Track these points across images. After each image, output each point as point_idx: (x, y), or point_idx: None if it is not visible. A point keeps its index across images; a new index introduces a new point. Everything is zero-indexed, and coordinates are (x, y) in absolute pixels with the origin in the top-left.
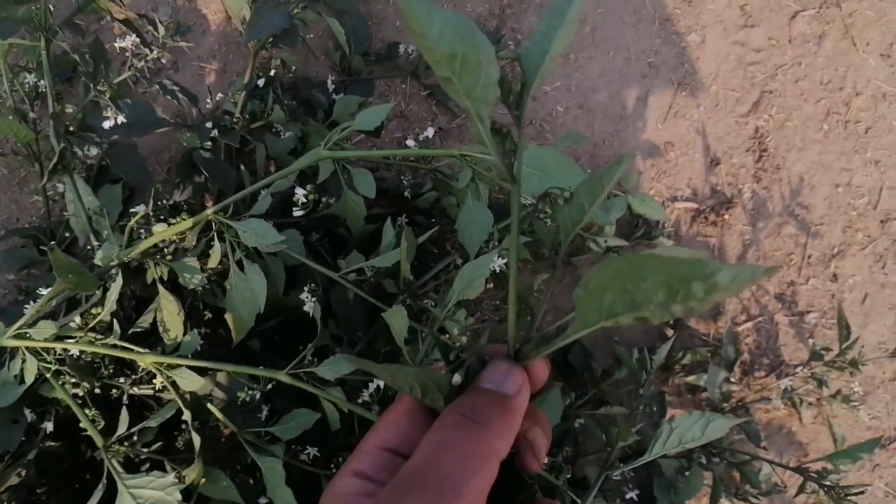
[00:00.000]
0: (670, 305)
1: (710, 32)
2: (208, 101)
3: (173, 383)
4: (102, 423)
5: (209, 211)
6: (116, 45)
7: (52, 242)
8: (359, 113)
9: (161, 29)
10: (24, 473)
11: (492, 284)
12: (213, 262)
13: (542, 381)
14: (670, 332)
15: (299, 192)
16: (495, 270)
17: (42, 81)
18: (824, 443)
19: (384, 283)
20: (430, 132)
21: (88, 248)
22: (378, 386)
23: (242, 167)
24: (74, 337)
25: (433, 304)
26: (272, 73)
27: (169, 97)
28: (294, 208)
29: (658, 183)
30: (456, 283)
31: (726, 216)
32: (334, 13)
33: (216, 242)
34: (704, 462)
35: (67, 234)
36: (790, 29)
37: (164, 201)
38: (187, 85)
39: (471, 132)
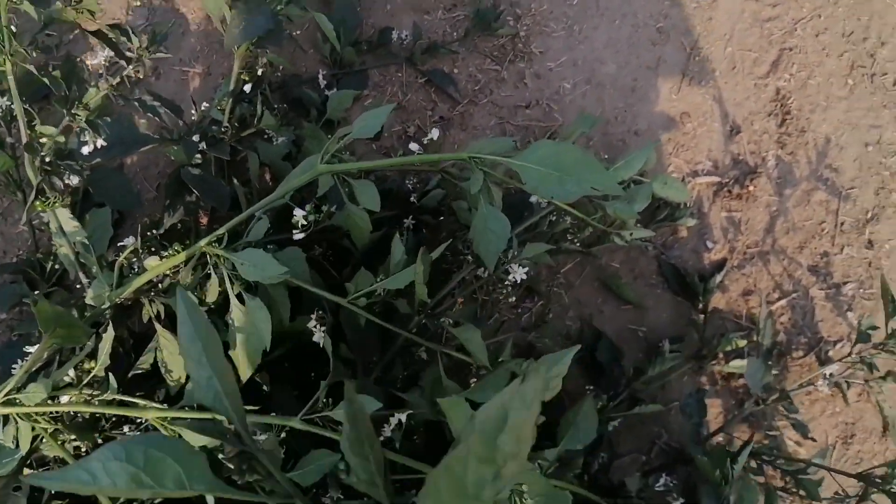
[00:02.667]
0: None
1: None
2: (193, 111)
3: (179, 437)
4: None
5: (202, 243)
6: (88, 62)
7: (50, 286)
8: (358, 118)
9: (136, 40)
10: None
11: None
12: (212, 296)
13: None
14: (700, 319)
15: (298, 214)
16: (516, 281)
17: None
18: (870, 421)
19: (396, 302)
20: (434, 134)
21: (78, 286)
22: (400, 420)
23: (235, 181)
24: (68, 394)
25: (450, 322)
26: (259, 72)
27: (149, 113)
28: (294, 231)
29: (676, 158)
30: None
31: (751, 187)
32: (320, 4)
33: (213, 275)
34: (755, 467)
35: (57, 266)
36: None
37: (154, 231)
38: (170, 92)
39: None
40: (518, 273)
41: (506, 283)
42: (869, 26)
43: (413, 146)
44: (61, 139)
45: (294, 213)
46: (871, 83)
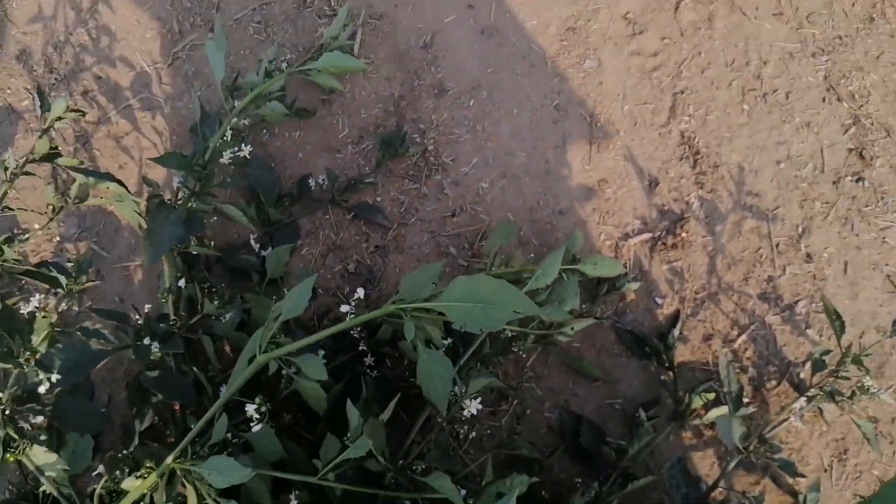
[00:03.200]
0: None
1: (603, 53)
2: (137, 316)
3: None
4: None
5: (169, 460)
6: (23, 309)
7: None
8: (285, 299)
9: (63, 280)
10: None
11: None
12: None
13: None
14: (669, 376)
15: (250, 409)
16: (473, 414)
17: None
18: (858, 432)
19: (367, 464)
20: (360, 293)
21: None
22: None
23: (195, 368)
24: None
25: (420, 468)
26: (194, 253)
27: (95, 338)
28: (251, 424)
29: (605, 225)
30: None
31: (683, 234)
32: (236, 168)
33: (189, 488)
34: None
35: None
36: (678, 21)
37: (125, 452)
38: (117, 290)
39: None
40: (472, 407)
41: (462, 418)
42: (748, 50)
43: (344, 308)
44: (14, 389)
45: (246, 408)
46: (766, 102)
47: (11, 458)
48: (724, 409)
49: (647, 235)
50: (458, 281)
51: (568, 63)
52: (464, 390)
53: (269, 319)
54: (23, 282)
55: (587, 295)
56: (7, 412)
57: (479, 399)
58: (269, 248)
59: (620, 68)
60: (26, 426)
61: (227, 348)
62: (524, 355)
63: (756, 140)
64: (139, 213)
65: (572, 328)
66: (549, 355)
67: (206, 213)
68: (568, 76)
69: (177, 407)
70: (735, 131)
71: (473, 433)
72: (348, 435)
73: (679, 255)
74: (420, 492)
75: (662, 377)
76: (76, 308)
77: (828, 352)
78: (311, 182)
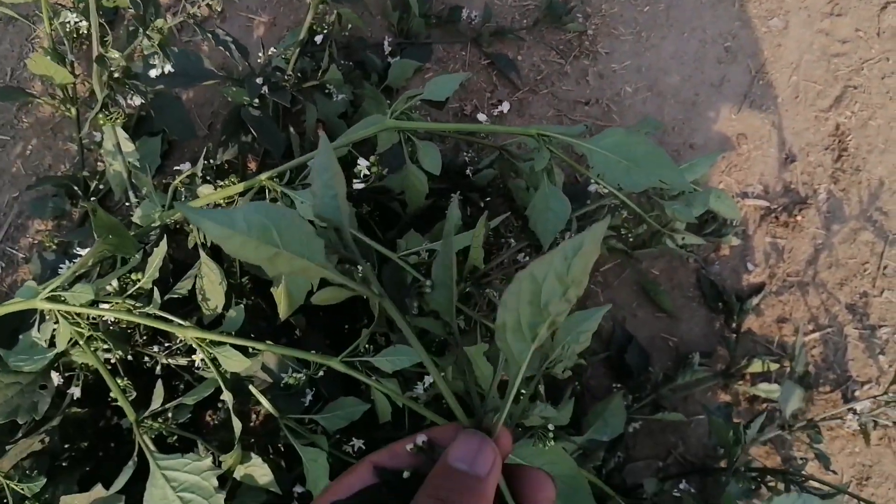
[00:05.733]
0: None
1: (794, 18)
2: (259, 54)
3: (214, 361)
4: (134, 393)
5: (263, 176)
6: None
7: (93, 199)
8: (429, 82)
9: None
10: (47, 440)
11: None
12: None
13: (508, 452)
14: (731, 337)
15: (362, 164)
16: None
17: (83, 22)
18: (888, 466)
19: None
20: (505, 107)
21: (126, 203)
22: (432, 381)
23: (291, 129)
24: (110, 302)
25: (496, 294)
26: (328, 28)
27: (221, 48)
28: (355, 180)
29: (728, 177)
30: (560, 334)
31: (799, 217)
32: None
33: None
34: (781, 489)
35: (101, 187)
36: (879, 21)
37: (212, 161)
38: (235, 35)
39: None
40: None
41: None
42: None
43: (481, 117)
44: (125, 63)
45: (358, 162)
46: None
47: (103, 121)
48: (773, 386)
49: (764, 204)
50: (613, 131)
51: (756, 13)
52: (571, 234)
53: (404, 96)
54: None
55: (691, 228)
56: (115, 77)
57: None
58: (398, 58)
59: (804, 39)
60: (123, 102)
61: (321, 131)
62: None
63: None
64: None
65: (683, 237)
66: (625, 270)
67: None
68: (750, 25)
69: (251, 166)
70: (890, 146)
71: None
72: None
73: (786, 234)
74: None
75: (725, 334)
76: (214, 16)
77: None
78: (464, 13)
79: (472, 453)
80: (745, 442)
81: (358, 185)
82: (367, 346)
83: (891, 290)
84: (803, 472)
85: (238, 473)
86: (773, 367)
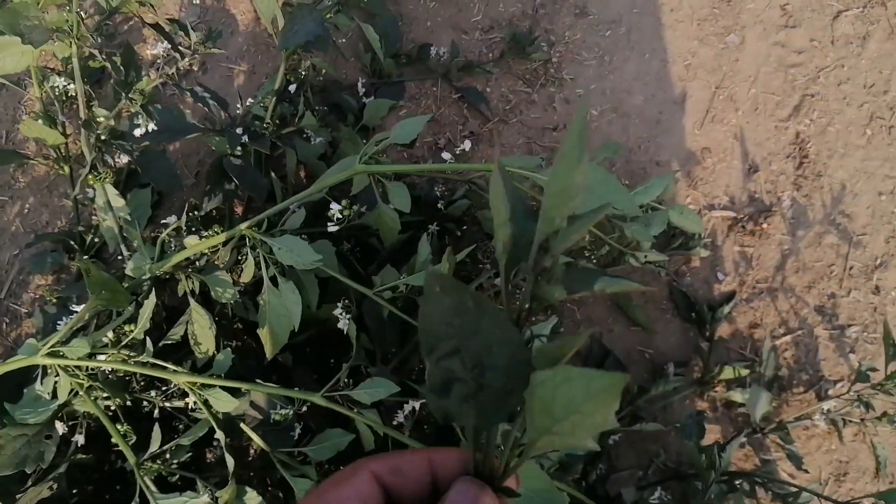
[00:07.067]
0: None
1: (750, 33)
2: (238, 105)
3: (206, 402)
4: (134, 438)
5: (243, 226)
6: (148, 52)
7: (87, 257)
8: (396, 125)
9: (193, 35)
10: (55, 486)
11: None
12: (247, 276)
13: (519, 495)
14: (705, 346)
15: (335, 208)
16: None
17: (71, 85)
18: (864, 461)
19: (419, 299)
20: (466, 145)
21: (119, 257)
22: (413, 408)
23: (273, 174)
24: (106, 353)
25: None
26: (303, 75)
27: (199, 103)
28: (329, 223)
29: (694, 190)
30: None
31: (765, 225)
32: (366, 16)
33: (250, 257)
34: (748, 489)
35: (97, 240)
36: (833, 30)
37: (195, 213)
38: (215, 86)
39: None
40: None
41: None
42: (890, 79)
43: (445, 155)
44: (112, 122)
45: (331, 206)
46: (889, 135)
47: (93, 181)
48: (745, 392)
49: (731, 214)
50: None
51: (712, 30)
52: None
53: (373, 140)
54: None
55: (659, 244)
56: (102, 138)
57: None
58: (372, 98)
59: (761, 53)
60: (110, 161)
61: (303, 174)
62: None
63: (867, 166)
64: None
65: (646, 255)
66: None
67: (338, 28)
68: (708, 42)
69: (238, 210)
70: (850, 150)
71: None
72: (404, 274)
73: (753, 243)
74: None
75: (699, 344)
76: (195, 68)
77: (873, 369)
78: (432, 51)
79: (469, 502)
80: (719, 466)
81: (333, 228)
82: (346, 379)
83: (857, 289)
84: (769, 475)
85: None
86: (744, 372)
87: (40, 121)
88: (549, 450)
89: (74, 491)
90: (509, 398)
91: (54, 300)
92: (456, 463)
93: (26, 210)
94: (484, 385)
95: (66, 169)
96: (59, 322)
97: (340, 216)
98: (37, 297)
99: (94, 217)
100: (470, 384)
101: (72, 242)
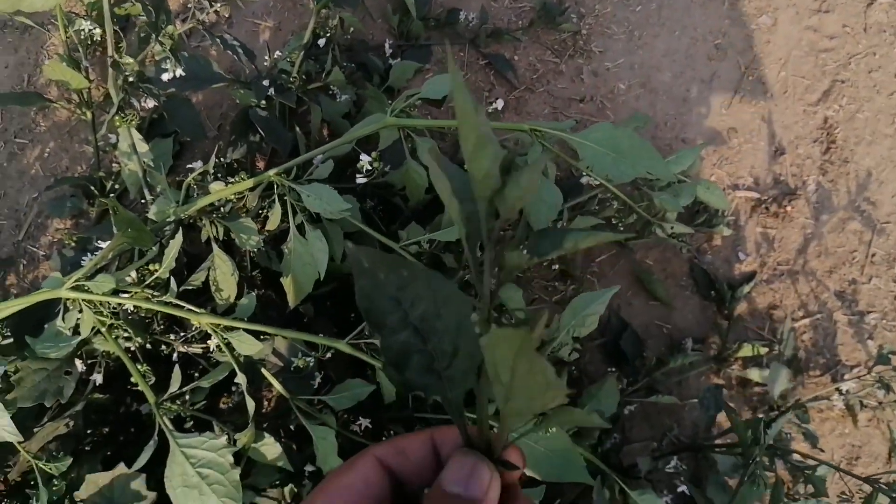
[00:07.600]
0: None
1: (783, 15)
2: (266, 58)
3: (228, 345)
4: (153, 378)
5: (271, 172)
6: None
7: (111, 196)
8: (427, 82)
9: None
10: (71, 424)
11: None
12: (273, 224)
13: (520, 468)
14: (723, 324)
15: (364, 159)
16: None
17: (97, 29)
18: (877, 446)
19: (444, 256)
20: (499, 104)
21: (142, 200)
22: None
23: (297, 129)
24: (130, 292)
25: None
26: (330, 33)
27: (229, 51)
28: (357, 175)
29: (719, 170)
30: (566, 317)
31: (788, 208)
32: None
33: (277, 205)
34: (767, 463)
35: (117, 186)
36: (866, 17)
37: (222, 159)
38: (241, 40)
39: None
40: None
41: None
42: None
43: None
44: (137, 67)
45: (360, 157)
46: None
47: (119, 123)
48: (762, 371)
49: (755, 195)
50: (601, 125)
51: (745, 11)
52: (565, 225)
53: (403, 94)
54: None
55: (682, 219)
56: (130, 80)
57: None
58: (398, 60)
59: (792, 36)
60: (136, 105)
61: (326, 132)
62: (594, 250)
63: (894, 154)
64: None
65: (672, 227)
66: (620, 260)
67: None
68: (740, 23)
69: (259, 164)
70: (878, 138)
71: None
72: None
73: (777, 225)
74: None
75: (717, 321)
76: (222, 22)
77: (893, 353)
78: (462, 16)
79: (465, 476)
80: (763, 441)
81: (361, 180)
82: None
83: (878, 277)
84: (789, 448)
85: (252, 452)
86: (763, 351)
87: (64, 63)
88: (526, 418)
89: (89, 431)
90: (471, 361)
91: (73, 243)
92: (457, 440)
93: (46, 154)
94: (443, 351)
95: (89, 114)
96: (81, 261)
97: (370, 167)
98: (55, 240)
99: (114, 164)
100: (427, 354)
101: (92, 188)
